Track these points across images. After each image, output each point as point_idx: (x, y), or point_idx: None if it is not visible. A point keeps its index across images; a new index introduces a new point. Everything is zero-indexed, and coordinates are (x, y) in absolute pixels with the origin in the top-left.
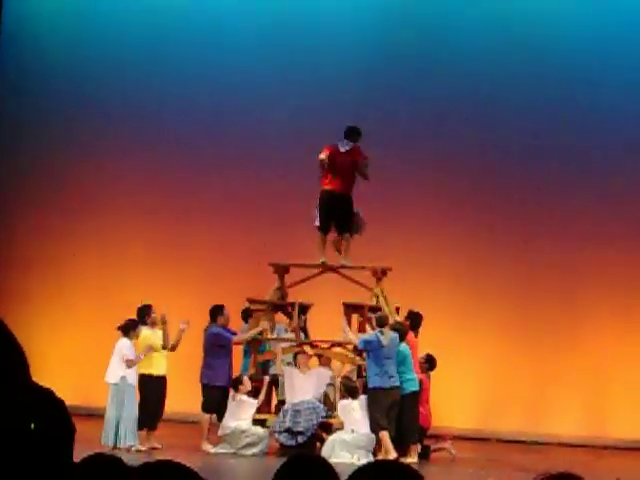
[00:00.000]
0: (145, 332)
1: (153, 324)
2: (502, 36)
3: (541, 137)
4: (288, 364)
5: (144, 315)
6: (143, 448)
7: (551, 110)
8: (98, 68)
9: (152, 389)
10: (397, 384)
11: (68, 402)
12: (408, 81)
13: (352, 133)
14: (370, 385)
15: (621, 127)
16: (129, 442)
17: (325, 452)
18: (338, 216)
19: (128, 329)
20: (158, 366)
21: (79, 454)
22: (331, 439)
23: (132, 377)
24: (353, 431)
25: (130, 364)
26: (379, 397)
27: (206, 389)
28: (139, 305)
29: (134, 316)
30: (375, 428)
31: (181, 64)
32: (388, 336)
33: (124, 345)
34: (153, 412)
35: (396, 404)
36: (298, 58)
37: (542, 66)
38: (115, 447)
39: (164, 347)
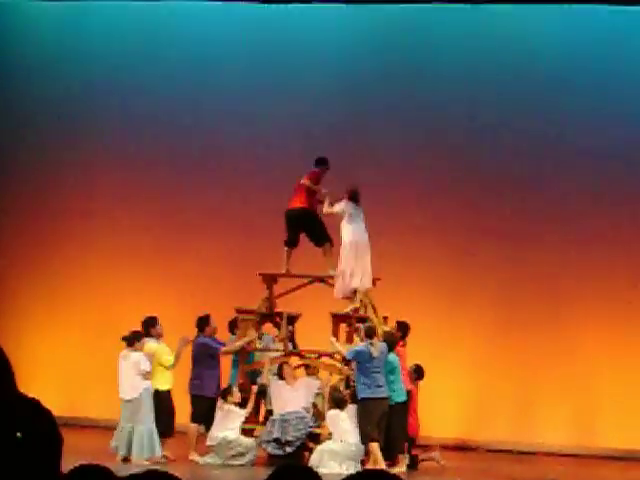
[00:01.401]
0: (151, 344)
1: (159, 336)
2: (491, 46)
3: (532, 142)
4: (275, 375)
5: (149, 327)
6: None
7: (547, 117)
8: (93, 76)
9: (162, 403)
10: (386, 395)
11: (55, 413)
12: (399, 95)
13: (316, 162)
14: (359, 396)
15: (618, 131)
16: (157, 453)
17: (313, 462)
18: (305, 230)
19: (133, 340)
20: (168, 381)
21: (66, 464)
22: (319, 449)
23: (151, 389)
24: (342, 441)
25: (149, 376)
26: (369, 408)
27: (195, 400)
28: (145, 317)
29: (123, 327)
30: (365, 440)
31: (172, 79)
32: (378, 347)
33: (141, 359)
34: (164, 425)
35: (385, 415)
36: (287, 76)
37: (533, 73)
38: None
39: (173, 366)
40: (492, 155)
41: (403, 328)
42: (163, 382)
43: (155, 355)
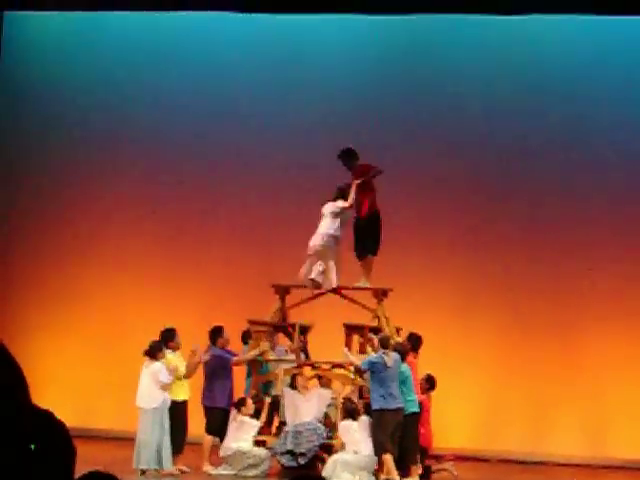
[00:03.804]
0: (169, 356)
1: (176, 348)
2: (497, 59)
3: (537, 155)
4: (288, 386)
5: (167, 339)
6: (186, 469)
7: (548, 129)
8: (99, 93)
9: (178, 414)
10: (401, 405)
11: (67, 424)
12: (410, 108)
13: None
14: (375, 407)
15: (619, 139)
16: (170, 465)
17: (326, 473)
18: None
19: (155, 352)
20: (185, 392)
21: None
22: (332, 460)
23: (168, 401)
24: (355, 452)
25: (167, 388)
26: (385, 419)
27: (208, 411)
28: (163, 328)
29: (134, 338)
30: (379, 451)
31: (175, 90)
32: (392, 357)
33: (161, 370)
34: (180, 436)
35: (400, 425)
36: (294, 87)
37: (532, 83)
38: (152, 470)
39: (186, 376)
40: (504, 168)
41: (414, 340)
42: (179, 393)
43: (174, 365)
